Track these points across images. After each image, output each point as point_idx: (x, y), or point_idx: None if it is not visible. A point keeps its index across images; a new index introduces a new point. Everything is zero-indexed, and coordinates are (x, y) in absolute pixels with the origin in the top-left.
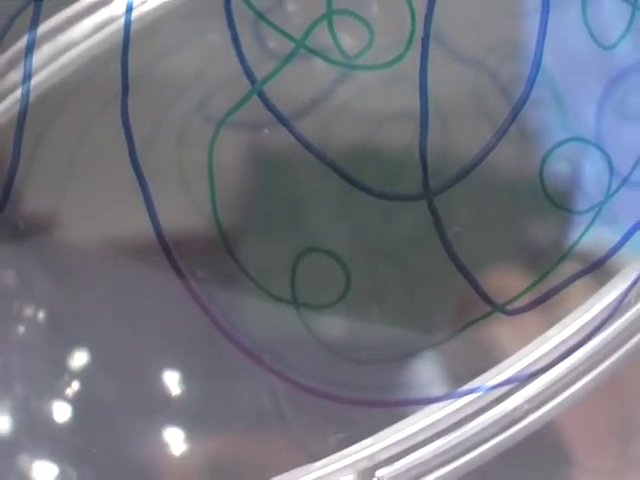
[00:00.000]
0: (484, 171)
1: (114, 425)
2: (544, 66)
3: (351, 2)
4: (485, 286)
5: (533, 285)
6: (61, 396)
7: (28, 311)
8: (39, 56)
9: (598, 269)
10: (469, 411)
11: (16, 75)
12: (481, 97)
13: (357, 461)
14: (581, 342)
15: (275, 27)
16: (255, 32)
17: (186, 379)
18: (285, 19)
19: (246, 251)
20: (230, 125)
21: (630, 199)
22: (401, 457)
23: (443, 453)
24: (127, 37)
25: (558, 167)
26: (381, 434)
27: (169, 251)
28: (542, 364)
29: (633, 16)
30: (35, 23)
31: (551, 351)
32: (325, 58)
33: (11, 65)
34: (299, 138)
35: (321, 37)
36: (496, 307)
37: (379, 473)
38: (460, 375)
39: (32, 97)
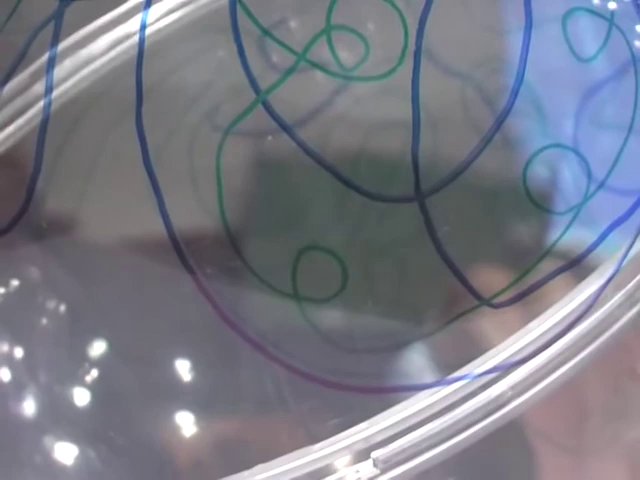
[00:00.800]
0: (471, 175)
1: (129, 409)
2: (526, 79)
3: (348, 19)
4: (472, 281)
5: (517, 280)
6: (81, 382)
7: (50, 304)
8: (62, 69)
9: (576, 266)
10: (457, 397)
11: (40, 87)
12: (468, 107)
13: (353, 443)
14: (561, 333)
15: (278, 42)
16: (260, 47)
17: (195, 366)
18: (287, 35)
19: (251, 249)
20: (236, 132)
21: (606, 202)
22: (394, 439)
23: (433, 436)
24: (141, 52)
25: (539, 172)
26: (376, 418)
27: (180, 249)
28: (525, 354)
29: (609, 32)
30: (56, 40)
31: (533, 342)
32: (324, 70)
33: (35, 78)
34: (300, 144)
35: (321, 51)
36: (483, 301)
37: (374, 454)
38: (449, 364)
39: (55, 106)
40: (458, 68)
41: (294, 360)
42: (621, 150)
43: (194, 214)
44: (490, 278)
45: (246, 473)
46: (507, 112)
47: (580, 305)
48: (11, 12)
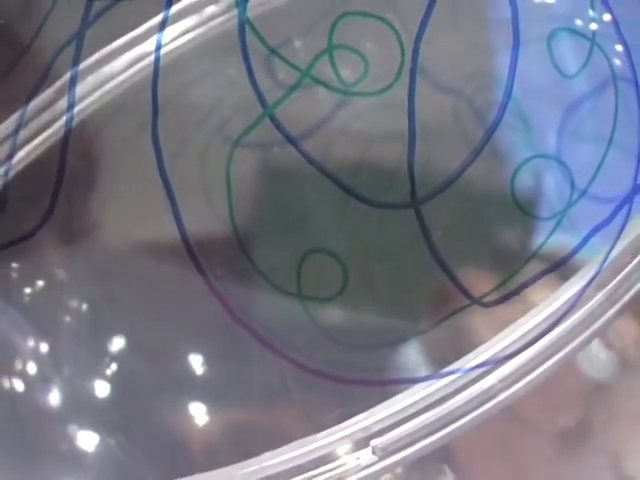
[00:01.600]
0: (463, 184)
1: (146, 400)
2: (513, 94)
3: (349, 38)
4: (464, 282)
5: (505, 281)
6: (101, 376)
7: (73, 303)
8: (85, 85)
9: (560, 268)
10: (450, 389)
11: (65, 102)
12: (459, 120)
13: (354, 432)
14: (546, 330)
15: (284, 60)
16: (266, 65)
17: (207, 361)
18: (292, 53)
19: (258, 252)
20: (245, 144)
21: (587, 209)
22: (392, 429)
23: (428, 425)
24: (157, 70)
25: (525, 180)
26: (374, 409)
27: (192, 252)
28: (512, 349)
29: (591, 51)
30: (77, 60)
31: (520, 338)
32: (327, 86)
33: (60, 94)
34: (304, 155)
35: (323, 69)
36: (473, 300)
37: (373, 442)
38: (442, 358)
39: (80, 119)
40: (450, 84)
41: (299, 355)
42: (602, 161)
43: (206, 219)
44: (481, 279)
45: (255, 460)
46: (496, 125)
47: (564, 304)
48: (36, 32)
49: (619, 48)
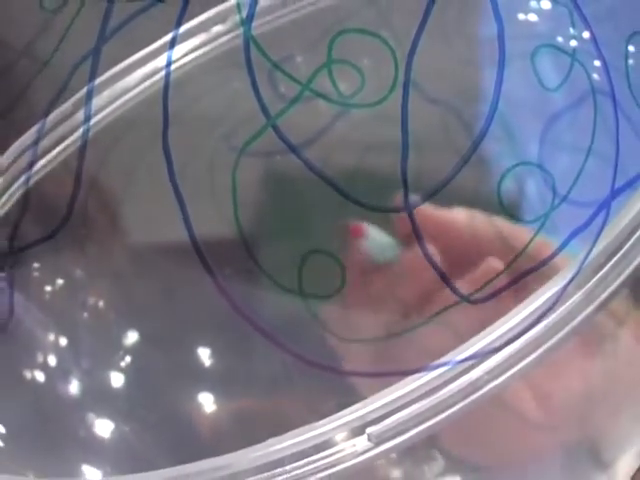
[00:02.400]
0: (452, 189)
1: (158, 390)
2: (499, 106)
3: (347, 54)
4: (454, 280)
5: (492, 280)
6: (117, 367)
7: (91, 300)
8: (101, 99)
9: (543, 268)
10: (440, 381)
11: (82, 115)
12: (449, 131)
13: (351, 420)
14: (530, 326)
15: (286, 74)
16: (270, 79)
17: (215, 353)
18: (294, 68)
19: (262, 252)
20: (250, 152)
21: (568, 213)
22: (386, 417)
23: (420, 414)
24: (167, 84)
25: (510, 186)
26: (370, 399)
27: (201, 252)
28: (499, 343)
29: (571, 66)
30: (93, 75)
31: (505, 333)
32: (326, 99)
33: (78, 107)
34: (305, 162)
35: (322, 82)
36: (462, 297)
37: (368, 430)
38: (433, 351)
39: (97, 129)
40: (440, 97)
41: (300, 348)
42: (581, 168)
43: (213, 222)
44: (470, 277)
45: (260, 446)
46: (483, 135)
47: (546, 302)
48: (55, 48)
49: (597, 64)
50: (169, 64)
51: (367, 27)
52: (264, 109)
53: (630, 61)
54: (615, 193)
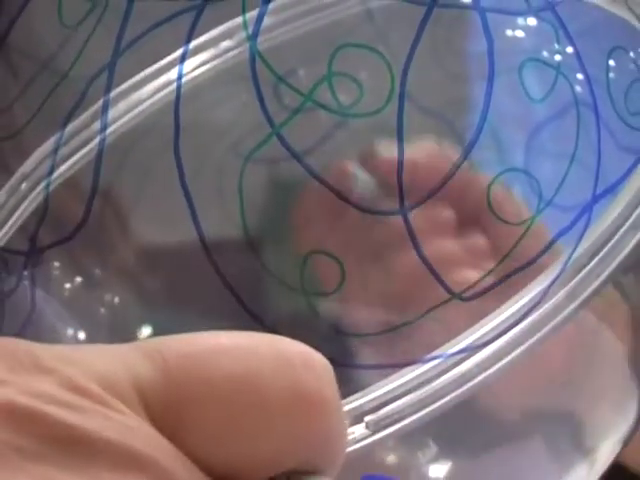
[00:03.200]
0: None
1: None
2: (488, 116)
3: (346, 67)
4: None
5: (482, 278)
6: None
7: (107, 297)
8: (117, 110)
9: (529, 267)
10: (434, 373)
11: (98, 125)
12: (441, 140)
13: (351, 409)
14: (517, 321)
15: (289, 86)
16: (275, 91)
17: None
18: (297, 81)
19: (267, 253)
20: (255, 159)
21: (552, 216)
22: (383, 407)
23: (415, 404)
24: (179, 96)
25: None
26: (369, 389)
27: (209, 253)
28: (488, 337)
29: (556, 78)
30: (109, 87)
31: (494, 328)
32: (326, 109)
33: (95, 117)
34: (307, 168)
35: (323, 94)
36: (455, 295)
37: (367, 418)
38: (427, 345)
39: (113, 138)
40: (433, 108)
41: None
42: (565, 175)
43: (221, 225)
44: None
45: None
46: (473, 144)
47: (532, 299)
48: (73, 62)
49: (580, 77)
50: (180, 77)
51: (365, 43)
52: (269, 119)
53: (611, 74)
54: (596, 198)
